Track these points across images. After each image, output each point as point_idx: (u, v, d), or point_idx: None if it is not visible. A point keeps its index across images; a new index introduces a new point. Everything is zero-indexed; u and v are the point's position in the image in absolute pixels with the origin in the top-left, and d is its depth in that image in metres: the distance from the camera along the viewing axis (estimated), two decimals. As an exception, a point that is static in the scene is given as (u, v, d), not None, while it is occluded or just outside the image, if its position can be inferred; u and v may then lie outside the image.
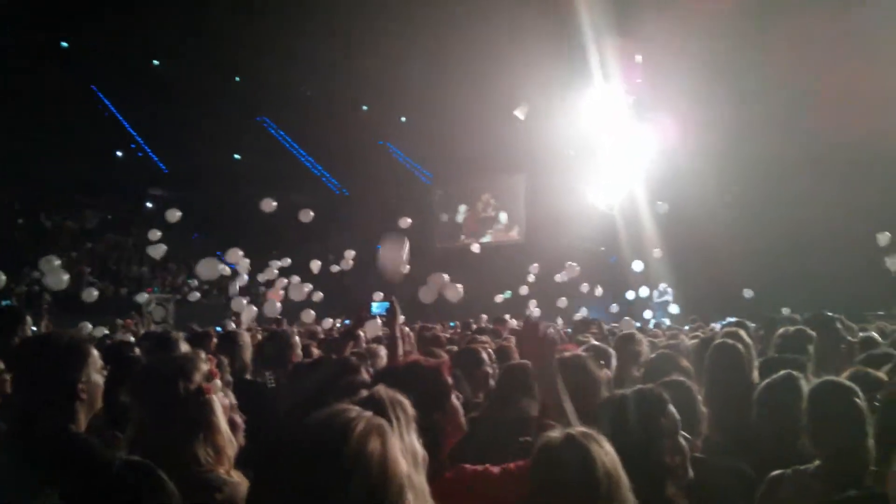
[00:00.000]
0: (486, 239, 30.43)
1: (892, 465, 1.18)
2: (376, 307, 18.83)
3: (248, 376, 5.09)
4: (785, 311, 15.82)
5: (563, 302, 19.23)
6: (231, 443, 2.48)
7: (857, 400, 2.72)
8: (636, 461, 2.16)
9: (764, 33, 20.30)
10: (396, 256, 8.78)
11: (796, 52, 19.48)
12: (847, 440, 2.64)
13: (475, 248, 21.48)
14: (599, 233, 25.44)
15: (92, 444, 2.60)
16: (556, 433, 1.96)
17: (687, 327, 14.65)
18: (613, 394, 2.48)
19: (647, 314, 20.17)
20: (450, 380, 2.80)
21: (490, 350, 5.52)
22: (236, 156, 32.33)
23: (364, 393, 2.15)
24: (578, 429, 1.97)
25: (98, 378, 3.75)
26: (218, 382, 2.57)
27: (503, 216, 30.08)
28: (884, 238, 16.48)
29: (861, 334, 6.64)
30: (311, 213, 16.15)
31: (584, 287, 19.62)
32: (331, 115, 30.21)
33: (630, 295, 20.83)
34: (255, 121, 33.69)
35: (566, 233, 24.81)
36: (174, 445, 2.36)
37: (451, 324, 15.01)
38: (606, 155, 24.29)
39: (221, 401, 2.56)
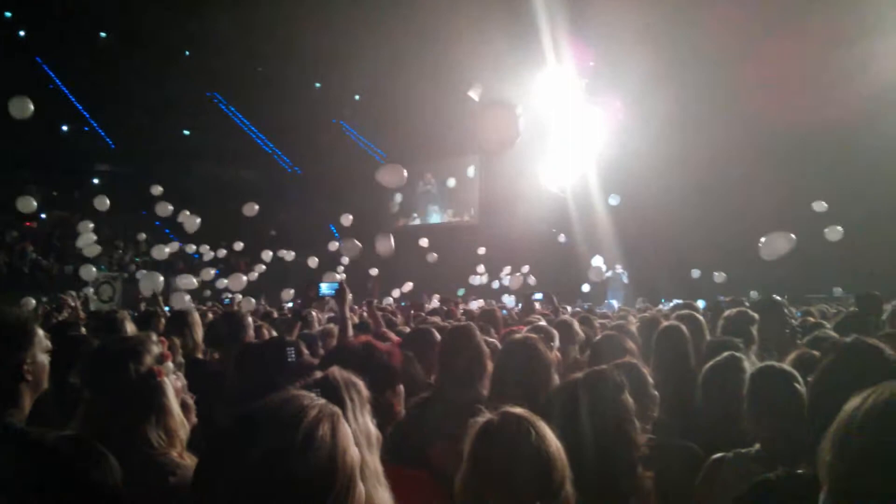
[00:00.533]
0: (437, 219, 30.36)
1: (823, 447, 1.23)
2: (325, 288, 18.66)
3: (200, 356, 5.03)
4: (753, 293, 16.21)
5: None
6: (183, 426, 2.46)
7: (797, 385, 2.78)
8: (597, 444, 2.19)
9: (713, 20, 20.54)
10: (386, 247, 8.99)
11: (744, 38, 19.83)
12: (785, 424, 2.68)
13: (423, 241, 21.34)
14: (551, 215, 25.61)
15: (25, 429, 2.54)
16: (493, 414, 1.98)
17: (637, 307, 14.91)
18: (569, 378, 2.49)
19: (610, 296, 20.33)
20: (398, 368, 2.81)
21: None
22: (186, 131, 31.74)
23: (318, 374, 2.14)
24: (516, 410, 1.98)
25: (44, 358, 3.68)
26: (170, 365, 2.54)
27: (441, 207, 30.10)
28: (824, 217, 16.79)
29: (809, 319, 6.84)
30: (256, 207, 15.92)
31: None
32: (283, 91, 29.81)
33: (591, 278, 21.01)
34: (205, 96, 33.05)
35: (519, 215, 24.93)
36: (125, 428, 2.33)
37: (402, 303, 15.00)
38: (559, 137, 24.42)
39: (174, 383, 2.53)
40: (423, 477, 2.50)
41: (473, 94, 22.65)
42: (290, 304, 15.58)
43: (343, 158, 31.10)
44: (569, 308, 12.83)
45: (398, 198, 29.71)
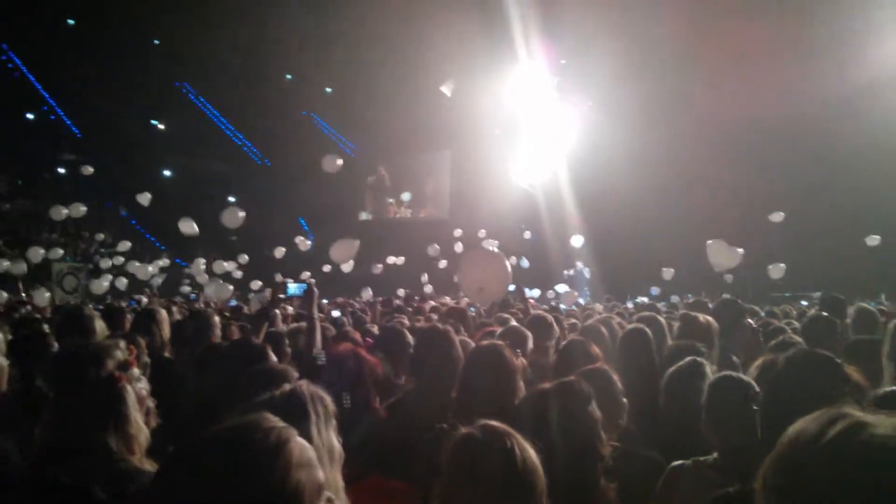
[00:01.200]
0: (407, 214, 30.30)
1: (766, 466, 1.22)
2: (294, 288, 18.47)
3: (168, 354, 4.96)
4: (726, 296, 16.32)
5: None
6: (143, 432, 2.43)
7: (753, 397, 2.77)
8: (567, 456, 2.19)
9: (681, 21, 20.74)
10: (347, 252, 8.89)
11: (712, 39, 20.05)
12: (738, 438, 2.68)
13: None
14: (521, 210, 25.69)
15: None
16: (472, 427, 1.97)
17: (601, 305, 14.99)
18: (536, 389, 2.48)
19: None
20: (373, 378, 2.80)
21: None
22: (154, 122, 31.35)
23: (286, 385, 2.12)
24: (494, 423, 1.97)
25: (2, 360, 3.62)
26: (135, 371, 2.51)
27: (406, 196, 30.00)
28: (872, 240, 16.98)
29: (773, 321, 6.91)
30: (242, 214, 15.72)
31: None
32: (253, 83, 29.54)
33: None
34: (174, 86, 32.65)
35: (490, 209, 24.97)
36: (84, 433, 2.31)
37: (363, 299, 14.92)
38: (530, 134, 24.52)
39: (138, 391, 2.50)
40: (403, 488, 2.49)
41: (446, 90, 22.61)
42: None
43: (314, 151, 30.89)
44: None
45: (406, 196, 29.66)
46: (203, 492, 1.28)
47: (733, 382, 2.95)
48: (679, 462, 2.82)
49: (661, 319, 5.13)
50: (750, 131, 21.43)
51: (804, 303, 16.34)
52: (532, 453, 1.91)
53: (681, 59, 21.13)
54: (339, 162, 13.82)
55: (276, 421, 1.45)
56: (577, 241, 20.78)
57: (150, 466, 2.34)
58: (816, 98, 20.04)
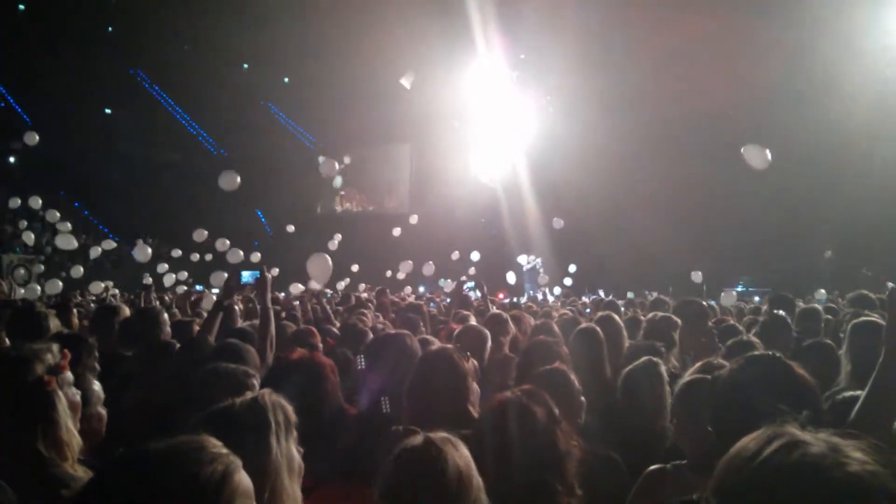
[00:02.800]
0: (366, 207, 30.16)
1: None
2: (247, 276, 18.09)
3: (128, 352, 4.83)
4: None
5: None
6: (75, 438, 2.37)
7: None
8: (527, 467, 2.17)
9: (637, 17, 20.96)
10: (323, 270, 8.85)
11: (668, 35, 20.31)
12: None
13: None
14: (480, 203, 25.75)
15: None
16: (414, 439, 1.96)
17: (555, 300, 15.10)
18: (496, 399, 2.46)
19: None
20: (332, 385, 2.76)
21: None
22: (107, 110, 30.71)
23: (248, 393, 2.08)
24: (438, 434, 1.96)
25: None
26: (68, 375, 2.44)
27: (338, 180, 29.85)
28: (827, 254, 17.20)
29: (727, 319, 7.00)
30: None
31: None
32: (209, 71, 29.06)
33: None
34: (128, 73, 31.96)
35: (449, 202, 25.00)
36: (13, 439, 2.25)
37: (328, 293, 14.77)
38: (489, 128, 24.57)
39: (71, 397, 2.43)
40: (366, 493, 2.46)
41: (406, 83, 22.52)
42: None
43: (271, 142, 30.59)
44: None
45: (338, 181, 29.40)
46: None
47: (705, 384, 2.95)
48: (658, 466, 2.82)
49: (618, 319, 5.17)
50: (704, 125, 21.76)
51: (757, 298, 16.65)
52: (464, 462, 1.89)
53: (637, 53, 21.35)
54: (336, 166, 13.71)
55: (220, 447, 1.41)
56: (557, 223, 20.78)
57: (82, 473, 2.29)
58: (770, 93, 20.43)
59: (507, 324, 5.57)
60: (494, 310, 6.82)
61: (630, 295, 16.70)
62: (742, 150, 9.83)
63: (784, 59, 19.57)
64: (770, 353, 2.38)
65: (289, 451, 1.89)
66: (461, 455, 1.89)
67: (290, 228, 19.35)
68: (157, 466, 1.32)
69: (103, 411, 2.73)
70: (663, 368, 3.59)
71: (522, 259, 20.86)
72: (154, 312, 4.98)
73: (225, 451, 1.40)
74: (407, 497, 1.85)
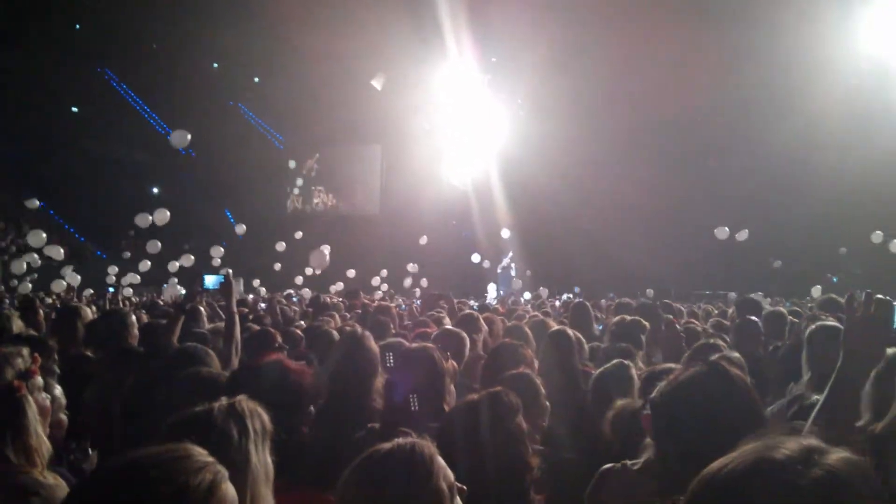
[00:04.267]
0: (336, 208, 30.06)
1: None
2: (211, 282, 17.94)
3: (90, 353, 4.74)
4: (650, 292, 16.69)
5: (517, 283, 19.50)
6: (45, 444, 2.32)
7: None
8: (495, 468, 2.17)
9: (608, 20, 21.13)
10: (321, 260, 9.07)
11: (636, 38, 20.51)
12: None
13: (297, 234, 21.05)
14: (451, 206, 25.77)
15: None
16: (386, 445, 1.94)
17: (524, 300, 15.14)
18: (464, 400, 2.46)
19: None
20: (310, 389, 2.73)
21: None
22: (74, 108, 30.27)
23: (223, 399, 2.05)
24: (409, 439, 1.94)
25: None
26: (38, 381, 2.39)
27: (299, 181, 29.92)
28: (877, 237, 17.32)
29: (693, 322, 7.07)
30: (168, 214, 15.30)
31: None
32: (179, 70, 28.78)
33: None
34: (96, 71, 31.53)
35: (420, 205, 24.96)
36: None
37: (294, 298, 14.70)
38: (460, 130, 24.61)
39: (41, 402, 2.38)
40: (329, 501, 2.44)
41: (377, 84, 22.50)
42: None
43: (240, 142, 30.35)
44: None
45: (298, 182, 29.28)
46: None
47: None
48: (608, 465, 2.83)
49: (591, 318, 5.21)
50: (675, 130, 21.98)
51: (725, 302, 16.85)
52: (438, 466, 1.88)
53: (608, 58, 21.51)
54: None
55: (206, 456, 1.38)
56: (504, 233, 20.91)
57: (52, 479, 2.25)
58: (741, 100, 20.69)
59: (478, 322, 5.59)
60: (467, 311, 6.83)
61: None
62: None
63: (755, 67, 19.83)
64: (709, 362, 2.39)
65: (265, 459, 1.86)
66: (439, 464, 1.88)
67: (241, 229, 19.15)
68: (144, 475, 1.28)
69: (64, 417, 2.68)
70: (634, 371, 3.61)
71: (475, 258, 20.93)
72: (121, 315, 4.90)
73: (211, 459, 1.37)
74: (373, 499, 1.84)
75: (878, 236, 17.22)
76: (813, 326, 3.94)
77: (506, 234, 20.56)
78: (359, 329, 4.09)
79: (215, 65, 31.36)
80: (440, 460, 1.87)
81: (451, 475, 1.86)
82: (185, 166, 31.28)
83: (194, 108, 29.54)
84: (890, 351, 2.74)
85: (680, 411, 2.13)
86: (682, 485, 2.00)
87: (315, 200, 32.43)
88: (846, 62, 18.78)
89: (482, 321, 5.72)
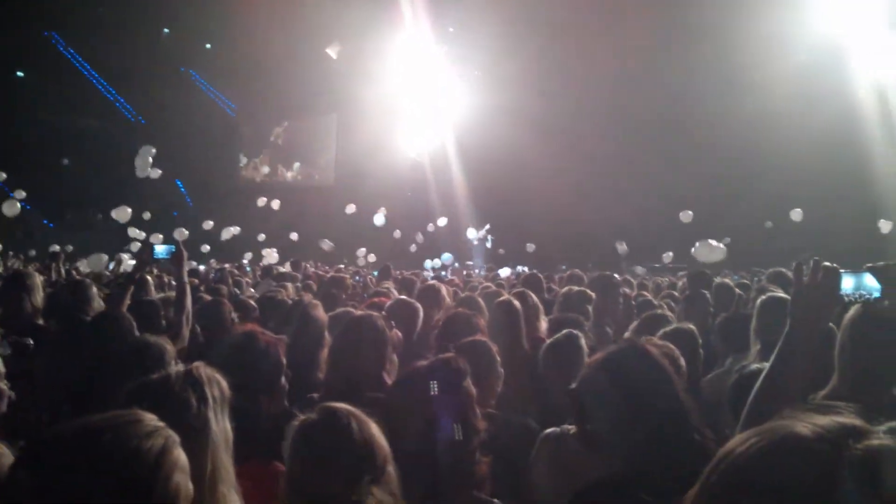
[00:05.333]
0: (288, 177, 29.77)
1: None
2: (161, 250, 17.67)
3: (41, 321, 4.64)
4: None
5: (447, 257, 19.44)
6: None
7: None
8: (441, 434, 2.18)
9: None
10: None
11: (593, 14, 20.57)
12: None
13: (272, 203, 20.81)
14: (408, 177, 25.69)
15: None
16: (314, 412, 1.95)
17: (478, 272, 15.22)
18: (415, 366, 2.47)
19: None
20: (283, 360, 2.70)
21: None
22: (19, 73, 29.34)
23: (173, 365, 2.02)
24: (338, 405, 1.95)
25: None
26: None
27: (296, 165, 29.68)
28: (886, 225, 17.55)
29: (644, 293, 7.18)
30: (129, 211, 15.05)
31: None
32: (128, 35, 28.01)
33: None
34: (41, 36, 30.50)
35: (377, 176, 24.81)
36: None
37: (248, 268, 14.58)
38: (417, 101, 24.46)
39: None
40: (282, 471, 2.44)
41: (332, 52, 22.20)
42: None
43: (191, 109, 29.76)
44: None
45: (252, 152, 28.92)
46: (70, 494, 1.19)
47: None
48: (552, 429, 2.89)
49: (533, 296, 5.25)
50: (631, 104, 22.13)
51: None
52: (370, 429, 1.90)
53: (564, 33, 21.52)
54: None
55: (156, 421, 1.37)
56: (441, 220, 20.99)
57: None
58: (697, 76, 20.90)
59: (439, 295, 5.60)
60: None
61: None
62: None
63: (710, 46, 19.99)
64: (629, 341, 2.47)
65: (225, 426, 1.85)
66: (366, 426, 1.89)
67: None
68: (93, 440, 1.27)
69: (4, 386, 2.62)
70: (584, 341, 3.66)
71: (472, 233, 20.95)
72: (84, 286, 4.81)
73: (162, 424, 1.36)
74: (308, 470, 1.85)
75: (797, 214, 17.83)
76: (764, 297, 4.03)
77: (472, 234, 20.61)
78: (307, 298, 4.07)
79: (166, 30, 30.60)
80: (367, 428, 1.89)
81: (379, 442, 1.88)
82: (135, 135, 30.63)
83: (144, 74, 28.87)
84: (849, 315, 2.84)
85: (602, 389, 2.18)
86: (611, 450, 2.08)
87: (266, 169, 32.05)
88: (797, 39, 19.03)
89: (444, 292, 5.73)
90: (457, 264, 19.46)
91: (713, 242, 10.56)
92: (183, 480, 1.33)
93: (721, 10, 19.38)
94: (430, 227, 21.67)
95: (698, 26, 20.09)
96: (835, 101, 18.71)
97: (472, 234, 20.83)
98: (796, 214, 18.06)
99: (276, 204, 20.98)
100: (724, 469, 1.06)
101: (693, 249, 10.65)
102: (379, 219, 20.74)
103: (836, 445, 0.99)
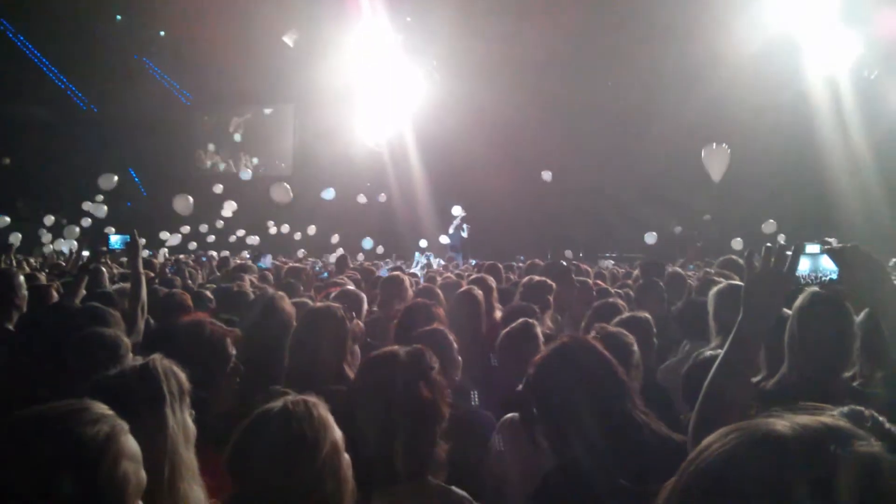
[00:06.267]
0: (247, 175, 29.40)
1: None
2: (115, 241, 17.37)
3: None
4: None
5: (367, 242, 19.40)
6: None
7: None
8: (408, 423, 2.20)
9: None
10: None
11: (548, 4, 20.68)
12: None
13: (226, 205, 20.64)
14: (367, 168, 25.56)
15: None
16: (272, 403, 1.93)
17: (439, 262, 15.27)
18: (376, 356, 2.46)
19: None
20: (233, 351, 2.66)
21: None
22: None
23: (130, 358, 1.98)
24: (298, 397, 1.94)
25: None
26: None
27: (255, 160, 29.40)
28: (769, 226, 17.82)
29: (599, 283, 7.28)
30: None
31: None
32: (80, 22, 27.36)
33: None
34: (-11, 21, 29.68)
35: (335, 166, 24.65)
36: None
37: (203, 258, 14.42)
38: (376, 92, 24.33)
39: None
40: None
41: (289, 40, 21.98)
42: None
43: (145, 98, 29.17)
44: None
45: (210, 147, 28.53)
46: (15, 482, 1.17)
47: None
48: (510, 415, 2.94)
49: (492, 282, 5.30)
50: (590, 98, 22.30)
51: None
52: (318, 417, 1.89)
53: (523, 24, 21.55)
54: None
55: (104, 409, 1.35)
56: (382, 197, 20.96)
57: None
58: (655, 70, 21.12)
59: (402, 285, 5.61)
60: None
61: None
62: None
63: (668, 38, 20.16)
64: (572, 336, 2.54)
65: (184, 421, 1.83)
66: (315, 418, 1.87)
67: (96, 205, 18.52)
68: (38, 428, 1.26)
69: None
70: (538, 330, 3.69)
71: (457, 210, 21.01)
72: (8, 275, 4.68)
73: (110, 412, 1.35)
74: (249, 465, 1.82)
75: (770, 226, 18.15)
76: (721, 286, 4.10)
77: (383, 197, 20.66)
78: (270, 291, 4.05)
79: (118, 17, 29.94)
80: (321, 418, 1.87)
81: (334, 433, 1.88)
82: (87, 124, 29.99)
83: (97, 61, 28.25)
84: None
85: (548, 385, 2.24)
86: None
87: (222, 165, 31.64)
88: (752, 32, 19.29)
89: (406, 284, 5.75)
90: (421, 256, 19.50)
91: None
92: (132, 468, 1.32)
93: (675, 4, 19.59)
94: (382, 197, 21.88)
95: (655, 20, 20.27)
96: (788, 94, 19.06)
97: (456, 210, 20.91)
98: (769, 226, 18.32)
99: (229, 207, 20.75)
100: (699, 466, 1.01)
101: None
102: (328, 193, 20.77)
103: (816, 448, 0.94)
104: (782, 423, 0.99)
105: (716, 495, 0.98)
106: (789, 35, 19.20)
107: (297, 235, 20.90)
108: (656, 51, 20.42)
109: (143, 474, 1.36)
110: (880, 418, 1.09)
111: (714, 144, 12.19)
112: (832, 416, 1.02)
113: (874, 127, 18.70)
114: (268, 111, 29.77)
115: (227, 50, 25.21)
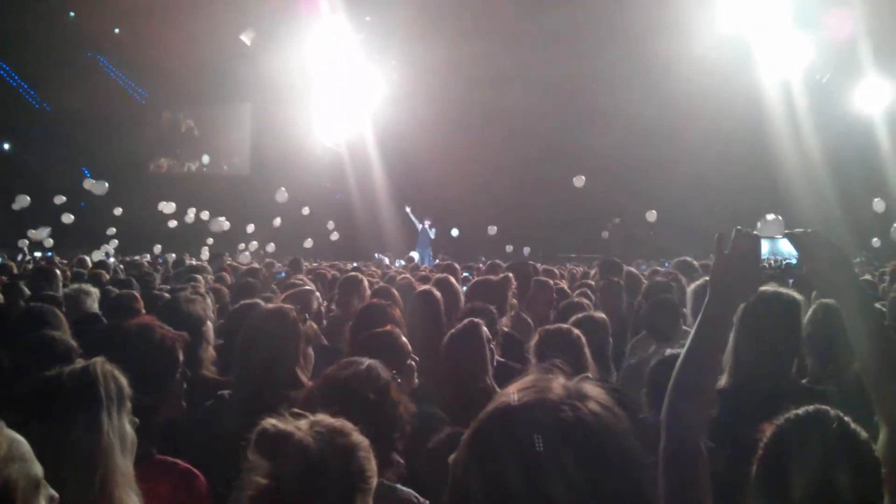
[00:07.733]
0: (202, 166, 29.01)
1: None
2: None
3: None
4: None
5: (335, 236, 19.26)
6: None
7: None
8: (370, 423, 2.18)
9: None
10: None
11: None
12: None
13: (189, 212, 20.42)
14: (326, 168, 25.43)
15: None
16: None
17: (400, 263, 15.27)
18: (337, 369, 2.41)
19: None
20: (181, 356, 2.60)
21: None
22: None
23: (75, 360, 1.93)
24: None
25: None
26: None
27: (206, 158, 29.09)
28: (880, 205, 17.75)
29: (560, 283, 7.35)
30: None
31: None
32: (31, 18, 26.77)
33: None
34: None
35: (293, 166, 24.46)
36: None
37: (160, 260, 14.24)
38: (335, 91, 24.19)
39: None
40: (185, 469, 2.36)
41: (246, 39, 21.77)
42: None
43: (99, 96, 28.63)
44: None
45: (164, 140, 28.14)
46: None
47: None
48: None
49: (455, 282, 5.31)
50: (547, 100, 22.44)
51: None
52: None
53: (482, 26, 21.64)
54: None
55: None
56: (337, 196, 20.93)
57: None
58: (610, 73, 21.32)
59: (360, 284, 5.59)
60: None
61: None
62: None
63: (623, 41, 20.35)
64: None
65: (121, 427, 1.77)
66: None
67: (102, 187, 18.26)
68: None
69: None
70: (484, 330, 3.66)
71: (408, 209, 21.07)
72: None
73: None
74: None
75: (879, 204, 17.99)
76: (696, 284, 4.14)
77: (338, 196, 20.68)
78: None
79: (71, 14, 29.35)
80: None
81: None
82: (39, 122, 29.39)
83: (49, 59, 27.69)
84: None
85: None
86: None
87: (175, 161, 31.23)
88: (706, 34, 19.54)
89: (365, 284, 5.74)
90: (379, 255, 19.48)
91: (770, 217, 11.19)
92: (20, 471, 1.27)
93: (631, 6, 19.80)
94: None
95: (611, 22, 20.46)
96: (740, 98, 19.35)
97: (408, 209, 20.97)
98: (879, 205, 18.19)
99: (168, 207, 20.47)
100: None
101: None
102: (281, 196, 20.68)
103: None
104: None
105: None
106: (741, 38, 19.48)
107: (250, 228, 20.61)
108: (613, 52, 20.60)
109: (39, 471, 1.32)
110: (846, 418, 1.14)
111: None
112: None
113: (826, 130, 19.03)
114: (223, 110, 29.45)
115: (184, 48, 24.86)
